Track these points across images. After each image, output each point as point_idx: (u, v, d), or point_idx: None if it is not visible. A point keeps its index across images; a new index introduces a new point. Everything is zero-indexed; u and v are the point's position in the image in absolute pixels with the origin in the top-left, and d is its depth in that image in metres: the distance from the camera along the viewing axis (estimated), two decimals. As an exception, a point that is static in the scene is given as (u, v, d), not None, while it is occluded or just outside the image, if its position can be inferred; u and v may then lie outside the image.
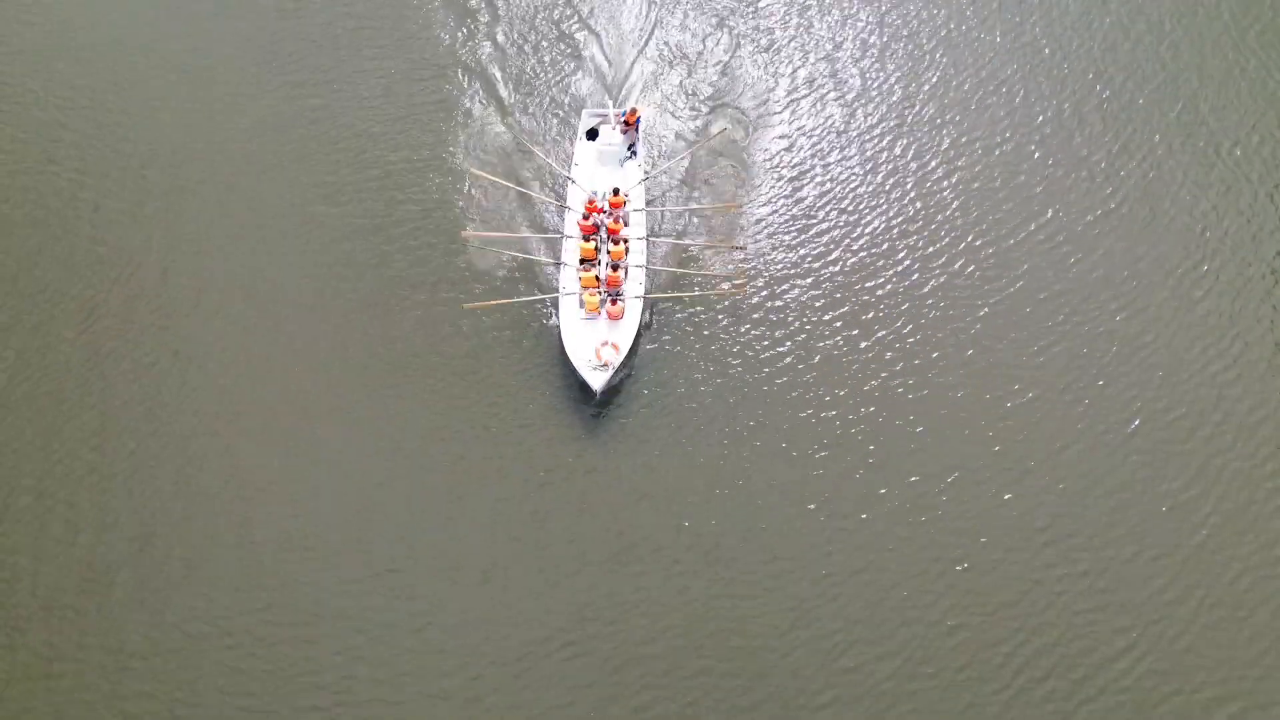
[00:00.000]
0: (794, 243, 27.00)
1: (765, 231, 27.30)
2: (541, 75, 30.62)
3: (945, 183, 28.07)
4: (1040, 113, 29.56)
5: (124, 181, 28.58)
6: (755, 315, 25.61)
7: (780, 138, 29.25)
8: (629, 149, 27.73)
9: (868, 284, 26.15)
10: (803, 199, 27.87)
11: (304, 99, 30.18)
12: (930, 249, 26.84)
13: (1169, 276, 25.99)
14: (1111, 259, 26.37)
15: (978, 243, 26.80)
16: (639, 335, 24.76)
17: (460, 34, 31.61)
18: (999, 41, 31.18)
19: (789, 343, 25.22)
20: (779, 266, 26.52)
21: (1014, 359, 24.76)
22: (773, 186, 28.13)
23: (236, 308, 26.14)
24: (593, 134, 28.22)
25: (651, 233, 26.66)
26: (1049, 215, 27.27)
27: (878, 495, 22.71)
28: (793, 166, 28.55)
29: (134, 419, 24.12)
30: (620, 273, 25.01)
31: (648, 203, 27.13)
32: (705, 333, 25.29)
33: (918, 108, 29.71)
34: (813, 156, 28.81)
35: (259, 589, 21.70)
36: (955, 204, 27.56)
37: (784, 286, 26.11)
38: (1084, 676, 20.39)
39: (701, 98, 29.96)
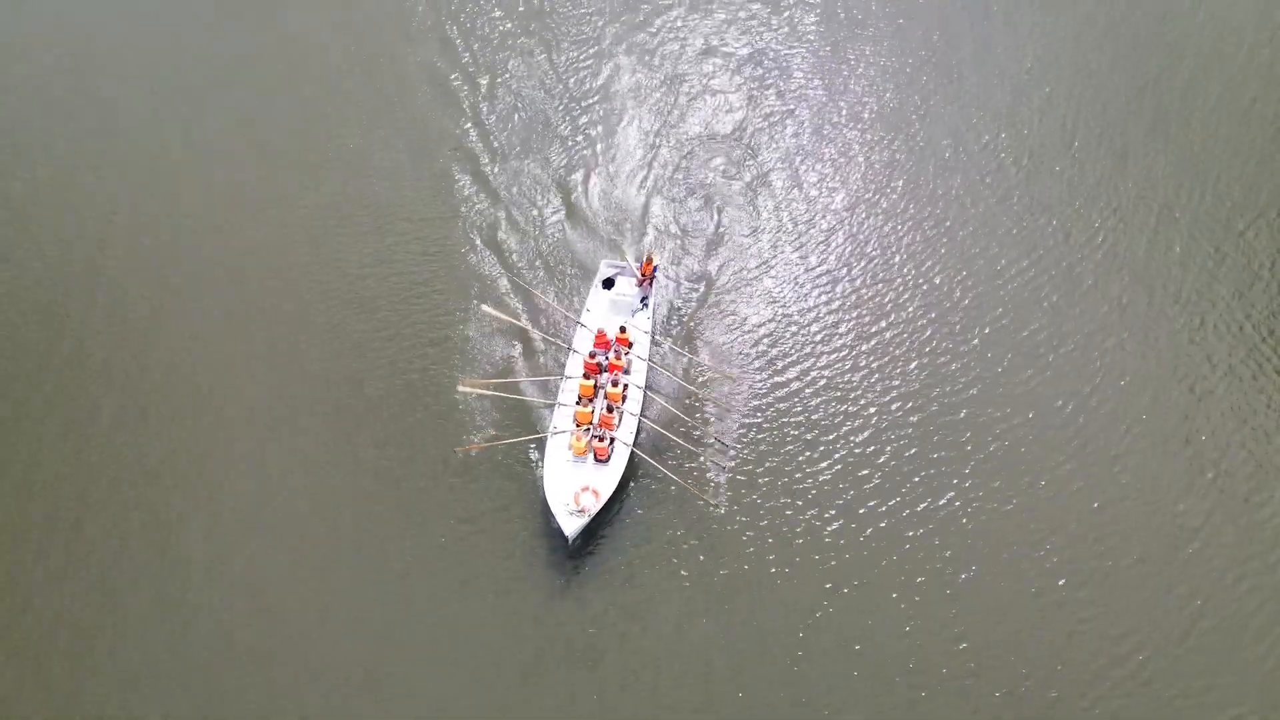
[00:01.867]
0: (785, 411, 26.42)
1: (757, 404, 26.81)
2: (553, 229, 31.25)
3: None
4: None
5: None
6: (745, 474, 24.78)
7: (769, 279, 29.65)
8: (641, 300, 28.04)
9: (859, 434, 25.62)
10: (793, 363, 27.59)
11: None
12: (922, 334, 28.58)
13: (1154, 308, 28.91)
14: (1096, 291, 29.41)
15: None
16: (621, 486, 23.83)
17: (476, 189, 32.42)
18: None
19: (777, 497, 24.52)
20: (770, 435, 25.85)
21: (1008, 381, 27.01)
22: (762, 360, 27.91)
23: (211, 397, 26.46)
24: (609, 283, 28.60)
25: (650, 386, 26.51)
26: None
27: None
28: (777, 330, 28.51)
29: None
30: (615, 416, 24.55)
31: (652, 346, 27.04)
32: (688, 496, 24.29)
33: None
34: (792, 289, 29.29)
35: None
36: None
37: (774, 450, 25.37)
38: (1091, 678, 21.53)
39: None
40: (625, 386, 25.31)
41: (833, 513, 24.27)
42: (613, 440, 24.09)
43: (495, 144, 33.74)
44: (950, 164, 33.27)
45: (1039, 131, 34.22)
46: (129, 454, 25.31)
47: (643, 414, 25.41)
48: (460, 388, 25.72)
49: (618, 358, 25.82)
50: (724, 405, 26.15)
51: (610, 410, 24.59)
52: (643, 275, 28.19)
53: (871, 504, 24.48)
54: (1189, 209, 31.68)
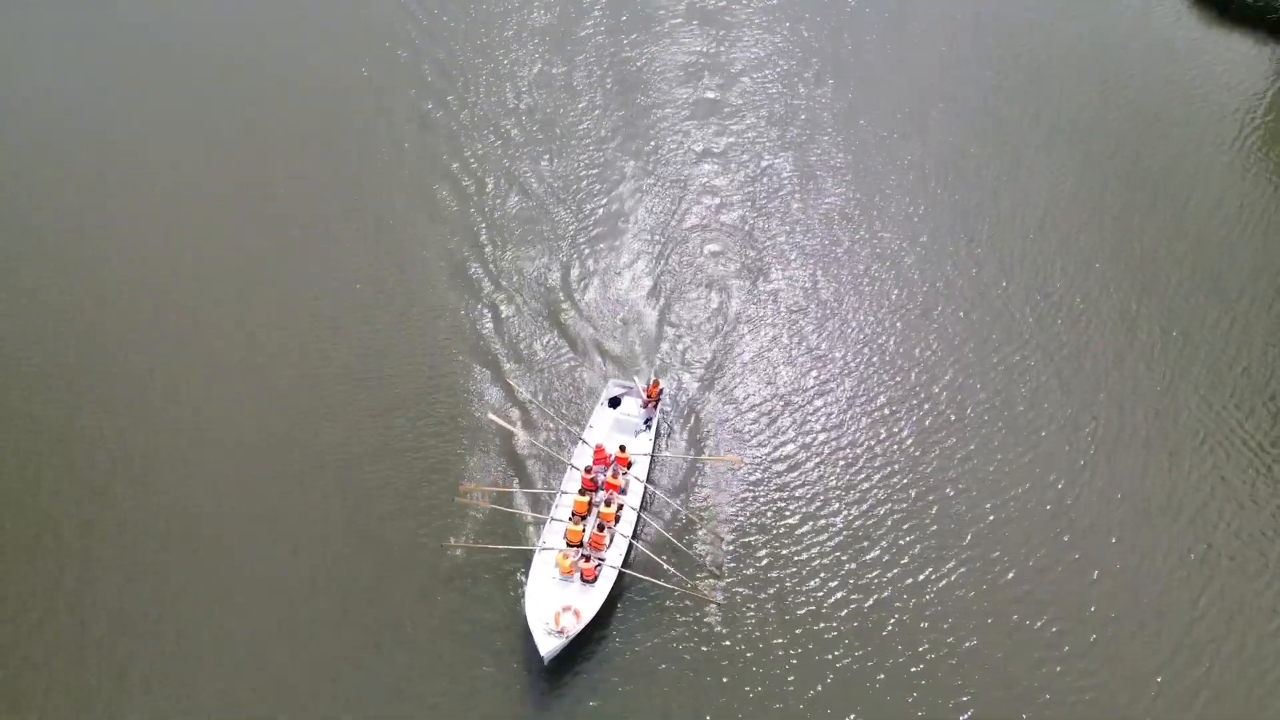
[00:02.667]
0: (776, 548, 25.83)
1: (755, 483, 27.15)
2: (558, 354, 31.37)
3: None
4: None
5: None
6: (732, 612, 24.11)
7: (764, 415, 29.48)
8: (645, 422, 28.02)
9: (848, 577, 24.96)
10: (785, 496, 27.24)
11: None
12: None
13: (1146, 387, 29.96)
14: (1091, 371, 30.57)
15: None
16: (604, 609, 23.17)
17: (476, 313, 32.57)
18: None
19: (779, 583, 24.71)
20: (760, 570, 25.23)
21: (1002, 457, 27.79)
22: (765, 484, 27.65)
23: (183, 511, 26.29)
24: (615, 402, 28.66)
25: (645, 507, 26.09)
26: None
27: None
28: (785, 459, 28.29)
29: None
30: (605, 535, 24.16)
31: (650, 468, 26.81)
32: (679, 619, 23.72)
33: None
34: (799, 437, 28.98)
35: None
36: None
37: (761, 590, 24.70)
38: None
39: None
40: (619, 507, 25.02)
41: (833, 584, 24.78)
42: (600, 562, 23.58)
43: (505, 252, 34.62)
44: (948, 254, 34.91)
45: (1034, 223, 36.20)
46: (106, 519, 25.29)
47: (635, 536, 24.97)
48: (459, 498, 25.73)
49: (614, 477, 25.63)
50: (719, 534, 25.72)
51: (601, 529, 24.23)
52: (648, 397, 28.32)
53: (871, 575, 24.99)
54: (1180, 291, 33.29)
